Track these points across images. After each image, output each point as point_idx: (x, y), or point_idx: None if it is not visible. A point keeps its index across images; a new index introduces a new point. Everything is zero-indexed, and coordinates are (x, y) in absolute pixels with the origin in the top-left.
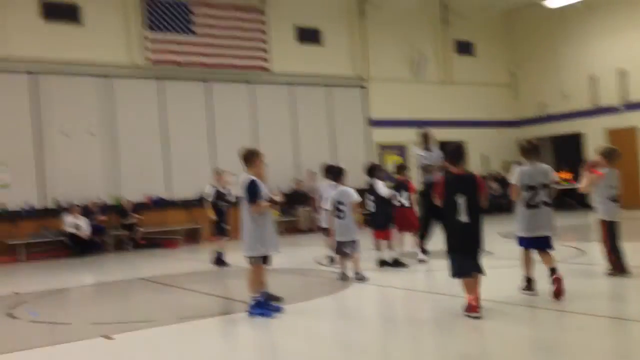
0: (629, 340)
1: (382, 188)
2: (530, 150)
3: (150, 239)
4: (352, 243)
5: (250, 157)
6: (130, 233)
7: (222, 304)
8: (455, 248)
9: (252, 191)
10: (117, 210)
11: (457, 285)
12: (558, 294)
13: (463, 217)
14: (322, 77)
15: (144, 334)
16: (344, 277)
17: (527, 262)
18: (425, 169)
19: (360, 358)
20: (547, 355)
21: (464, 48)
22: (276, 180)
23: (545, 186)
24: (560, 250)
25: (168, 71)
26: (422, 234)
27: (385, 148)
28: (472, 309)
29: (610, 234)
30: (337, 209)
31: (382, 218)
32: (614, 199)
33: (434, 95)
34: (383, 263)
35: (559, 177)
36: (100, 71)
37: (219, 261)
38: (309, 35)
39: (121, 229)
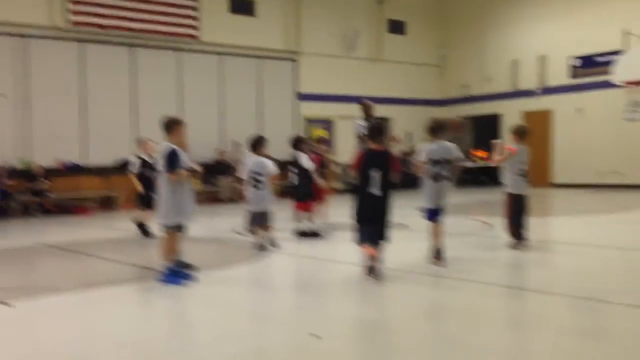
0: (520, 307)
1: (306, 161)
2: (435, 129)
3: (61, 205)
4: (267, 214)
5: (172, 126)
6: (39, 198)
7: (133, 272)
8: (363, 218)
9: (171, 160)
10: (27, 174)
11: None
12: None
13: (375, 190)
14: (253, 49)
15: (47, 301)
16: (260, 247)
17: (437, 233)
18: (362, 138)
19: (269, 326)
20: (442, 319)
21: (397, 27)
22: (200, 150)
23: (447, 162)
24: (471, 224)
25: (90, 34)
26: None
27: (312, 122)
28: (369, 272)
29: (514, 207)
30: (254, 179)
31: (303, 190)
32: (523, 174)
33: (364, 72)
34: (302, 234)
35: (461, 154)
36: (16, 31)
37: (144, 232)
38: (242, 6)
39: (30, 194)
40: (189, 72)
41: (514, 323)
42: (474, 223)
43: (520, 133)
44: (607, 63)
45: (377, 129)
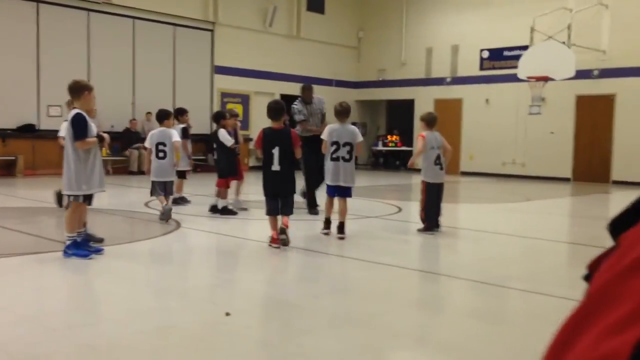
0: (424, 289)
1: (225, 136)
2: (341, 112)
3: None
4: (169, 183)
5: (79, 90)
6: None
7: (34, 242)
8: (268, 192)
9: (78, 126)
10: None
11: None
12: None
13: (275, 166)
14: (168, 16)
15: None
16: (168, 216)
17: (329, 207)
18: (300, 122)
19: (171, 300)
20: (348, 298)
21: (316, 5)
22: (110, 118)
23: (347, 144)
24: (380, 207)
25: None
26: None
27: (227, 96)
28: (273, 241)
29: (428, 194)
30: (158, 150)
31: (222, 166)
32: (437, 162)
33: (282, 49)
34: (215, 209)
35: (361, 138)
36: None
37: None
38: None
39: None
40: (98, 34)
41: (418, 304)
42: (386, 206)
43: (428, 120)
44: (515, 57)
45: (276, 109)
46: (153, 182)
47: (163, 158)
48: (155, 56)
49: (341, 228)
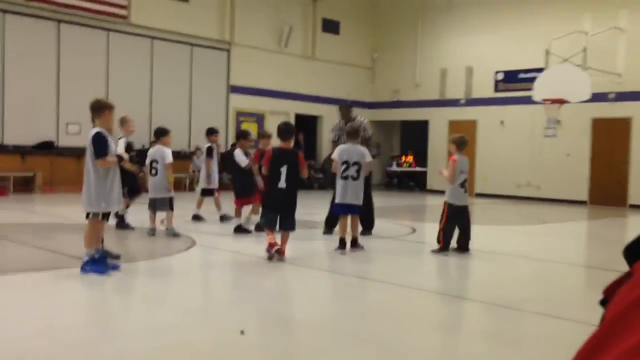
0: (439, 311)
1: (240, 157)
2: (351, 133)
3: None
4: (165, 200)
5: (101, 109)
6: None
7: (53, 258)
8: (269, 206)
9: (99, 144)
10: None
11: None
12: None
13: (282, 184)
14: (185, 36)
15: None
16: (152, 233)
17: (342, 227)
18: (332, 143)
19: (194, 319)
20: (363, 320)
21: (331, 26)
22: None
23: (356, 164)
24: (394, 228)
25: (13, 5)
26: None
27: (242, 115)
28: (269, 248)
29: (449, 216)
30: (151, 167)
31: (238, 186)
32: (462, 185)
33: (296, 69)
34: (236, 229)
35: (370, 158)
36: None
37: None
38: None
39: None
40: (117, 54)
41: (432, 325)
42: (399, 227)
43: (459, 143)
44: (530, 79)
45: (285, 130)
46: (150, 199)
47: (155, 175)
48: (172, 75)
49: (354, 243)
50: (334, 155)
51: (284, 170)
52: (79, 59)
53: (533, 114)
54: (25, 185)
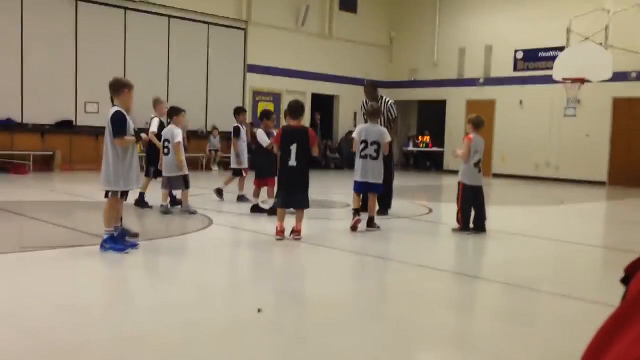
0: (456, 291)
1: (262, 137)
2: (371, 113)
3: None
4: (179, 178)
5: (120, 89)
6: None
7: (72, 236)
8: (283, 186)
9: (118, 124)
10: None
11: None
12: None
13: (292, 162)
14: (203, 15)
15: None
16: (165, 211)
17: (356, 201)
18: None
19: (203, 295)
20: (382, 299)
21: (348, 4)
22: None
23: (375, 143)
24: (411, 208)
25: None
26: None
27: (259, 94)
28: (278, 233)
29: (465, 196)
30: (164, 146)
31: (260, 167)
32: (477, 165)
33: (313, 48)
34: (254, 209)
35: (389, 138)
36: None
37: (142, 202)
38: None
39: None
40: (135, 33)
41: (447, 304)
42: (416, 207)
43: (476, 123)
44: (550, 58)
45: (295, 108)
46: (165, 177)
47: (167, 154)
48: (189, 54)
49: (371, 222)
50: (354, 135)
51: (294, 148)
52: (97, 38)
53: (553, 94)
54: (44, 164)
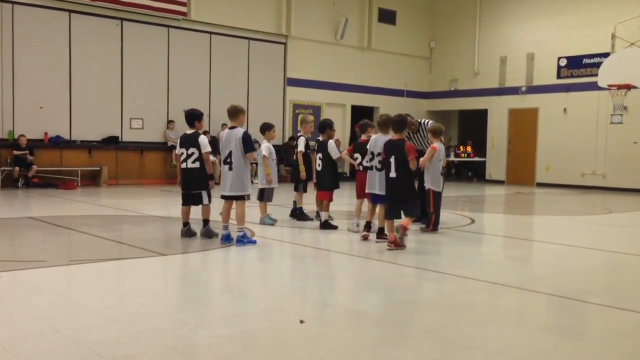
0: (500, 302)
1: (334, 149)
2: (381, 123)
3: (45, 177)
4: (269, 190)
5: (237, 113)
6: (23, 170)
7: (117, 248)
8: (387, 197)
9: (249, 141)
10: (10, 145)
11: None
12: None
13: (392, 173)
14: (243, 30)
15: (31, 274)
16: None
17: (369, 211)
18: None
19: (249, 306)
20: (427, 312)
21: (387, 16)
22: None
23: (380, 154)
24: (453, 218)
25: (79, 5)
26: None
27: (299, 107)
28: (390, 244)
29: (435, 202)
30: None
31: (324, 178)
32: (441, 172)
33: (353, 60)
34: (322, 225)
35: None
36: None
37: (301, 214)
38: None
39: (13, 165)
40: (177, 49)
41: (492, 317)
42: (457, 217)
43: (435, 132)
44: (594, 65)
45: (399, 122)
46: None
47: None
48: (230, 69)
49: (380, 233)
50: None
51: (392, 160)
52: (141, 56)
53: (598, 101)
54: (92, 179)
